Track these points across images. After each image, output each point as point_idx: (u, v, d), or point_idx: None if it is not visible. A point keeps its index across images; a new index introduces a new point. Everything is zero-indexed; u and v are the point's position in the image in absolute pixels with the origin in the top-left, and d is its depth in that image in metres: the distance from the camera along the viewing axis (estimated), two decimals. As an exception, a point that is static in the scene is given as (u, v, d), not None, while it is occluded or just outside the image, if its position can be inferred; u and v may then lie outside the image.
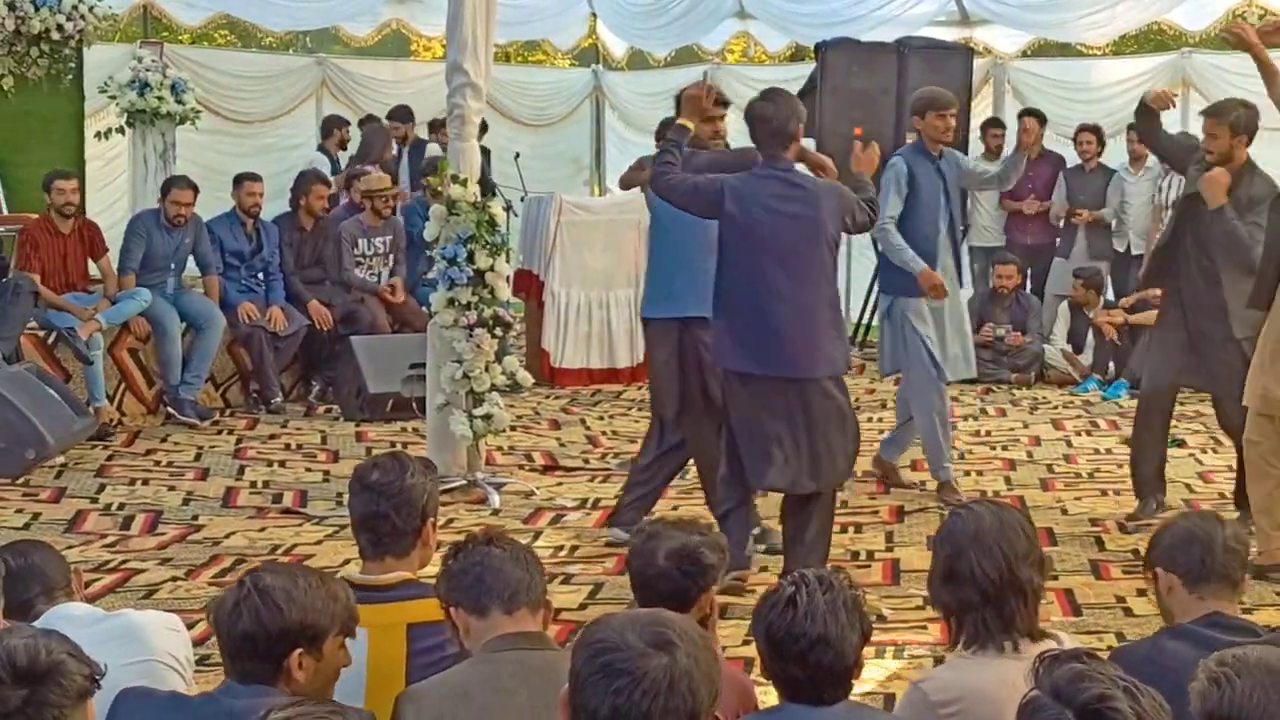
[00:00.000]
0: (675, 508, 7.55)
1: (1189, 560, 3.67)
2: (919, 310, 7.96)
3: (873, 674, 5.24)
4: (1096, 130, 12.56)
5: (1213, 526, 3.76)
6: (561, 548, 7.12)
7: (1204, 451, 9.26)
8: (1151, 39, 18.35)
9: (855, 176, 6.54)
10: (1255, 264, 6.84)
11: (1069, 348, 12.09)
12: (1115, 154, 12.67)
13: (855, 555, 7.05)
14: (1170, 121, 13.70)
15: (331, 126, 13.77)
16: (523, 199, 12.40)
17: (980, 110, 13.99)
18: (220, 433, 9.73)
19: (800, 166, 6.55)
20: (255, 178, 10.74)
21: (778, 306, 6.09)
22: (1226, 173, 7.02)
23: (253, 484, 8.41)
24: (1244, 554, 3.78)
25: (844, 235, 6.46)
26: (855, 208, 6.29)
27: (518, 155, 13.43)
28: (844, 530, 7.47)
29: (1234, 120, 7.15)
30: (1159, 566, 3.73)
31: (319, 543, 7.16)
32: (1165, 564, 3.72)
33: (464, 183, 7.97)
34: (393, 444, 9.18)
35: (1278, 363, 6.54)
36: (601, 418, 10.40)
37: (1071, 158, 12.72)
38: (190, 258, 10.26)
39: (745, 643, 5.47)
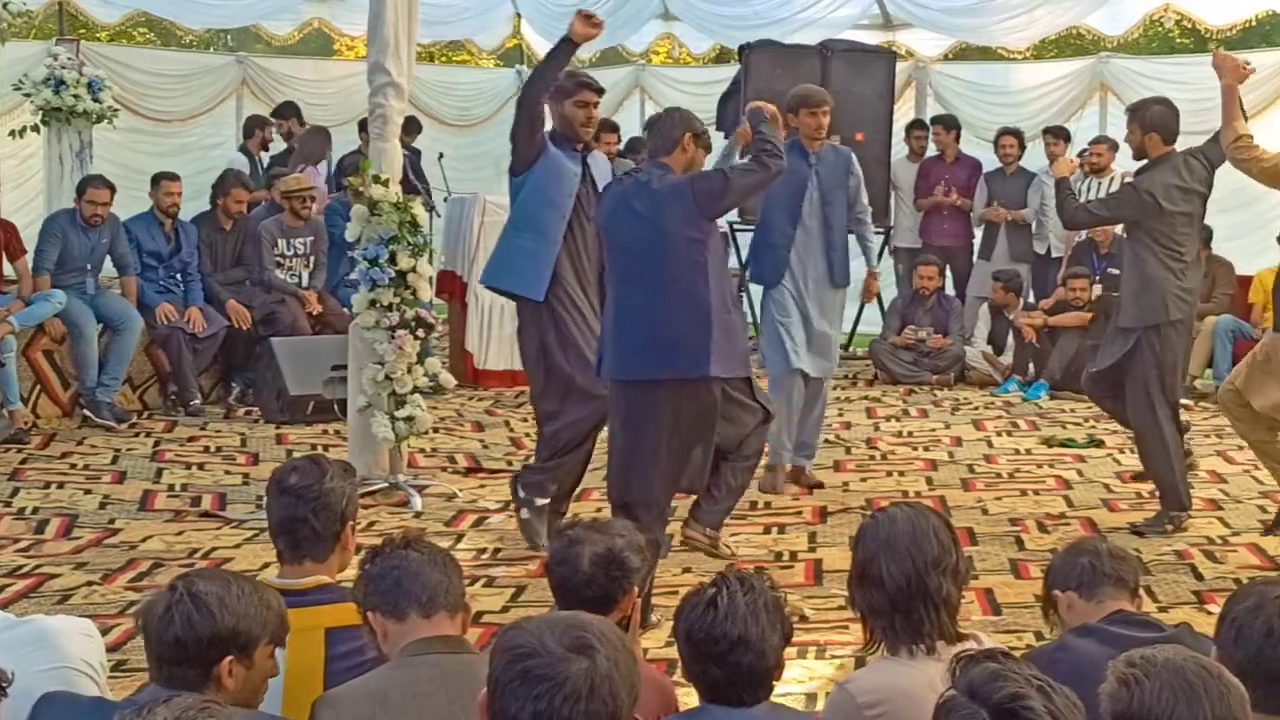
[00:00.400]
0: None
1: (1080, 571, 3.81)
2: (781, 301, 8.14)
3: (794, 674, 5.25)
4: (1018, 134, 12.69)
5: (1094, 542, 3.99)
6: (484, 550, 7.09)
7: (1122, 451, 9.35)
8: (1071, 43, 18.54)
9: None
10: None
11: (990, 349, 12.19)
12: (1035, 157, 12.79)
13: (778, 556, 7.07)
14: (1089, 125, 13.93)
15: (253, 127, 13.64)
16: (446, 199, 12.35)
17: (903, 113, 14.08)
18: (138, 435, 9.62)
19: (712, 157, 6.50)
20: (174, 177, 10.63)
21: (634, 309, 5.92)
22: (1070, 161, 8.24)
23: (171, 487, 8.31)
24: (1134, 561, 3.94)
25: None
26: (710, 186, 5.95)
27: (441, 156, 13.37)
28: (767, 531, 7.50)
29: (1143, 117, 7.53)
30: (1056, 590, 3.86)
31: (238, 546, 7.09)
32: (1060, 584, 3.85)
33: (386, 183, 7.92)
34: (314, 446, 9.12)
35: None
36: (525, 419, 10.35)
37: (992, 161, 12.83)
38: (108, 258, 10.14)
39: (668, 644, 5.47)
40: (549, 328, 6.84)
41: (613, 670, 2.36)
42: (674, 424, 5.85)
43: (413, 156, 13.00)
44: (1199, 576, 6.66)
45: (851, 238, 8.60)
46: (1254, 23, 13.93)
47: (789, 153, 7.72)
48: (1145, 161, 7.46)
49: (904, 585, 3.35)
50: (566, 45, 6.89)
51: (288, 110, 13.82)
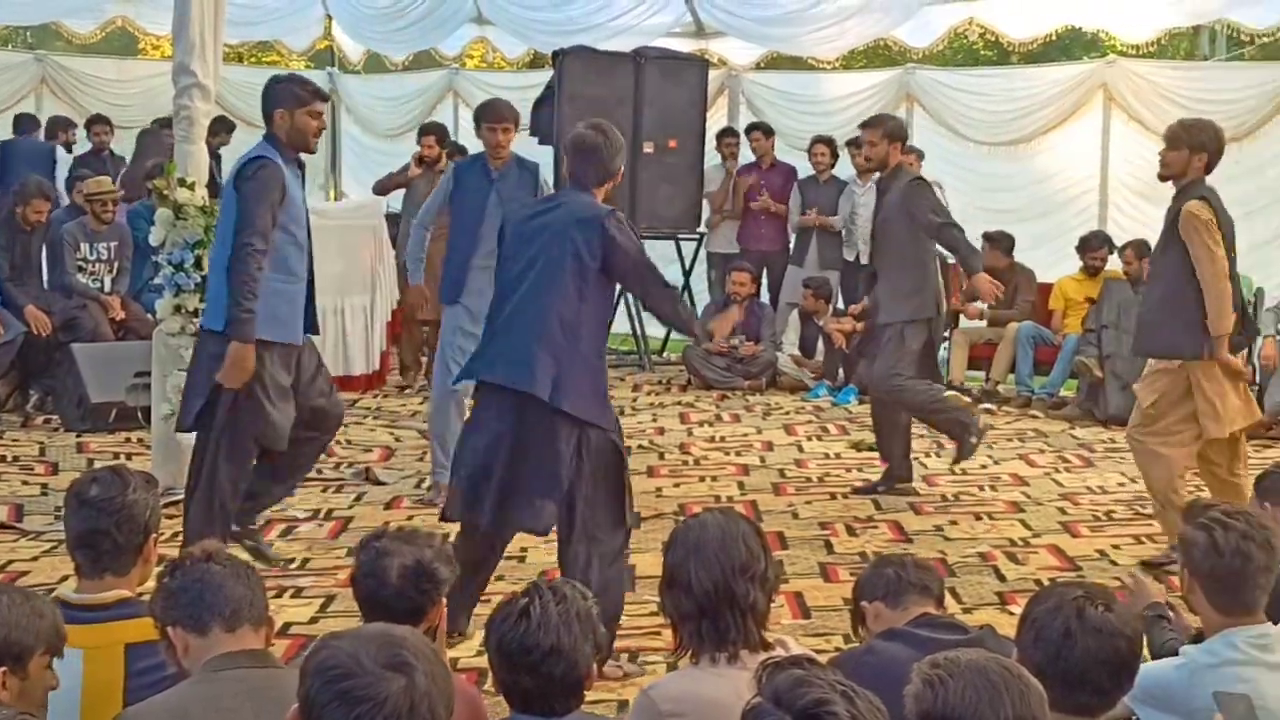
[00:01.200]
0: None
1: (885, 581, 3.88)
2: (456, 319, 7.77)
3: (605, 680, 5.25)
4: (830, 142, 12.86)
5: (899, 557, 4.07)
6: (293, 560, 6.98)
7: (928, 455, 9.52)
8: (879, 54, 18.88)
9: None
10: (904, 257, 8.18)
11: (800, 354, 12.36)
12: (845, 166, 12.99)
13: (591, 562, 7.05)
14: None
15: (56, 128, 13.31)
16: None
17: (716, 121, 14.21)
18: (-69, 444, 9.31)
19: None
20: (-36, 180, 10.32)
21: (509, 311, 5.57)
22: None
23: (-35, 498, 8.06)
24: (936, 571, 4.04)
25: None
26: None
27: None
28: (579, 537, 7.49)
29: (887, 129, 8.19)
30: (863, 601, 3.92)
31: (35, 559, 6.87)
32: (867, 595, 3.92)
33: (191, 186, 7.77)
34: (116, 455, 8.89)
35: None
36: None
37: (805, 168, 13.00)
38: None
39: (478, 654, 5.43)
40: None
41: (431, 686, 2.33)
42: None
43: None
44: (1001, 578, 6.81)
45: None
46: (1054, 37, 14.31)
47: (469, 166, 7.78)
48: (893, 170, 8.25)
49: (711, 591, 3.38)
50: None
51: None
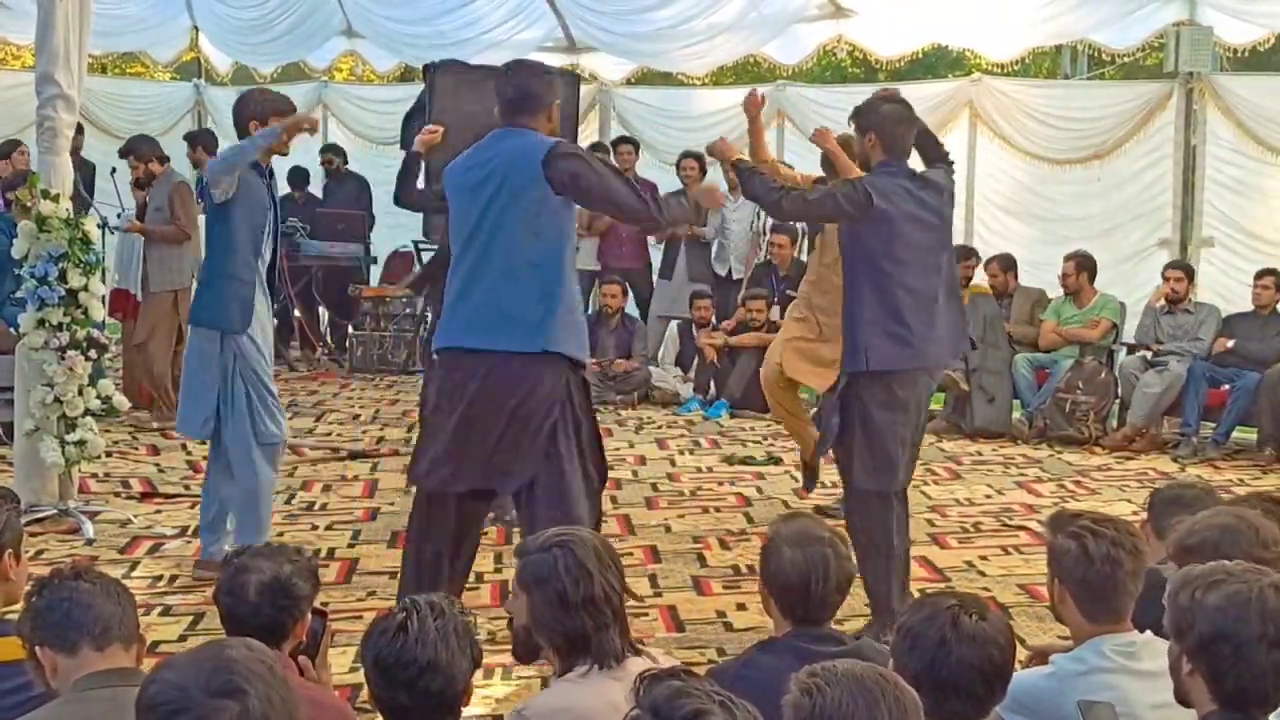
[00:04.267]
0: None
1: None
2: (253, 347, 6.69)
3: (480, 694, 5.23)
4: (699, 157, 12.90)
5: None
6: (160, 577, 6.87)
7: (798, 468, 9.60)
8: (748, 70, 19.00)
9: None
10: None
11: (678, 369, 12.42)
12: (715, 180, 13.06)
13: (464, 577, 7.03)
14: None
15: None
16: (120, 215, 11.94)
17: (587, 135, 14.23)
18: None
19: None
20: None
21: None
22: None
23: None
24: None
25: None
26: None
27: (114, 170, 12.91)
28: (453, 553, 7.45)
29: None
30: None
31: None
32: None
33: (56, 198, 7.63)
34: (-23, 472, 8.70)
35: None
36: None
37: (672, 183, 13.04)
38: None
39: (351, 670, 5.39)
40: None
41: (267, 708, 2.30)
42: None
43: (86, 171, 12.58)
44: (872, 589, 6.87)
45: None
46: (921, 55, 14.51)
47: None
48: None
49: (559, 614, 3.49)
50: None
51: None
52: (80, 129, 13.37)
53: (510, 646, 4.77)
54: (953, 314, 6.23)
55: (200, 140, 11.95)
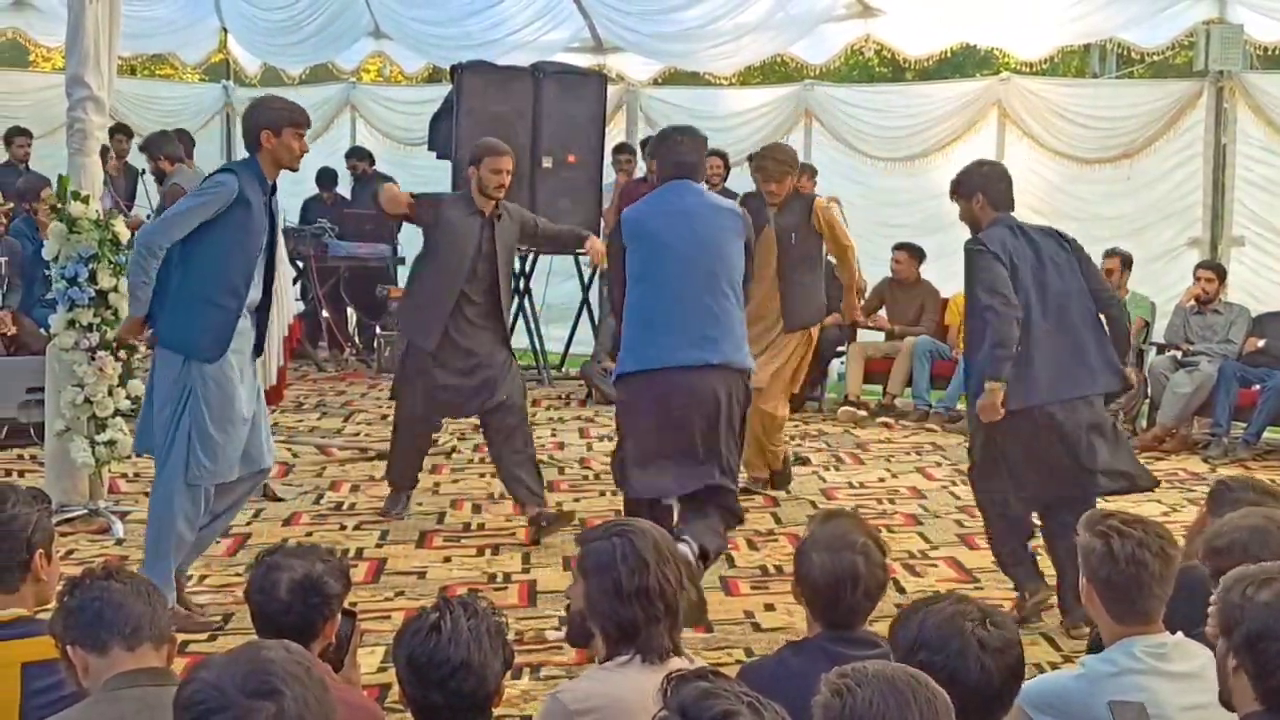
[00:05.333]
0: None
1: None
2: (220, 379, 6.13)
3: (509, 694, 5.23)
4: (723, 155, 12.88)
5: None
6: (190, 577, 6.87)
7: (827, 469, 9.60)
8: (776, 70, 18.99)
9: None
10: None
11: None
12: (739, 182, 13.04)
13: (492, 578, 7.04)
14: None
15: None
16: (149, 217, 11.99)
17: (615, 136, 14.23)
18: None
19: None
20: None
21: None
22: None
23: None
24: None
25: None
26: None
27: (143, 172, 12.97)
28: (480, 553, 7.47)
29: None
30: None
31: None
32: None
33: (86, 199, 7.66)
34: (7, 473, 8.74)
35: None
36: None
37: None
38: None
39: (380, 670, 5.40)
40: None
41: (303, 710, 2.30)
42: None
43: (130, 177, 12.65)
44: (901, 590, 6.86)
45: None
46: (949, 54, 14.47)
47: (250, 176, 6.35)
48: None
49: (615, 601, 3.47)
50: None
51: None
52: (130, 134, 13.49)
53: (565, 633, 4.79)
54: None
55: (162, 149, 11.41)
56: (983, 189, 6.64)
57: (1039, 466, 6.33)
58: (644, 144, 13.56)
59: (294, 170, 6.39)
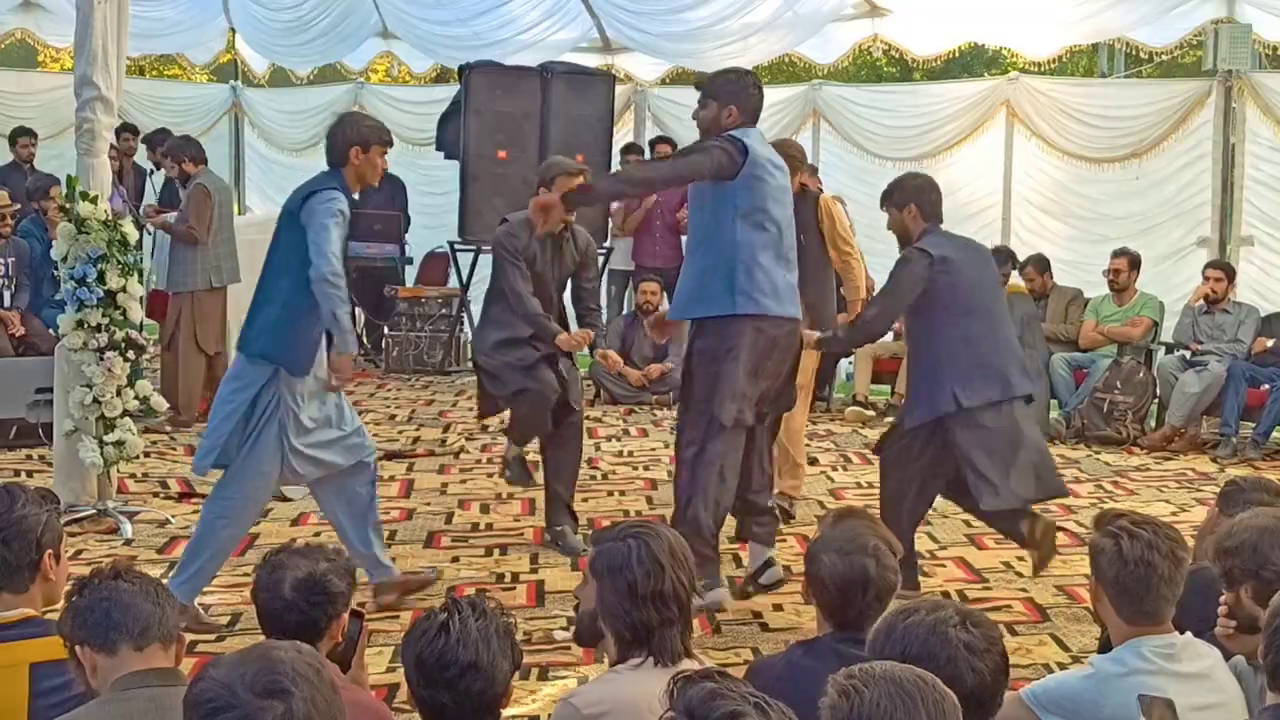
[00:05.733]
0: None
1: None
2: (301, 391, 6.17)
3: (517, 694, 5.23)
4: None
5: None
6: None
7: (835, 469, 9.59)
8: (784, 70, 18.98)
9: None
10: None
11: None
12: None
13: (500, 578, 7.04)
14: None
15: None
16: (141, 209, 12.02)
17: (622, 135, 14.24)
18: None
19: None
20: None
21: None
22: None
23: None
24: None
25: None
26: None
27: (151, 172, 13.01)
28: (489, 553, 7.47)
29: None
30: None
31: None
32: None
33: (94, 200, 7.67)
34: (16, 473, 8.75)
35: None
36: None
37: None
38: None
39: (388, 670, 5.40)
40: None
41: (311, 710, 2.31)
42: None
43: (137, 178, 12.67)
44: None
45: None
46: (957, 54, 14.47)
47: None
48: None
49: (629, 602, 3.44)
50: None
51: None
52: (136, 132, 13.50)
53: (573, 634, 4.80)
54: None
55: (185, 151, 11.25)
56: (916, 200, 6.91)
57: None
58: (653, 144, 13.60)
59: (373, 186, 6.48)
